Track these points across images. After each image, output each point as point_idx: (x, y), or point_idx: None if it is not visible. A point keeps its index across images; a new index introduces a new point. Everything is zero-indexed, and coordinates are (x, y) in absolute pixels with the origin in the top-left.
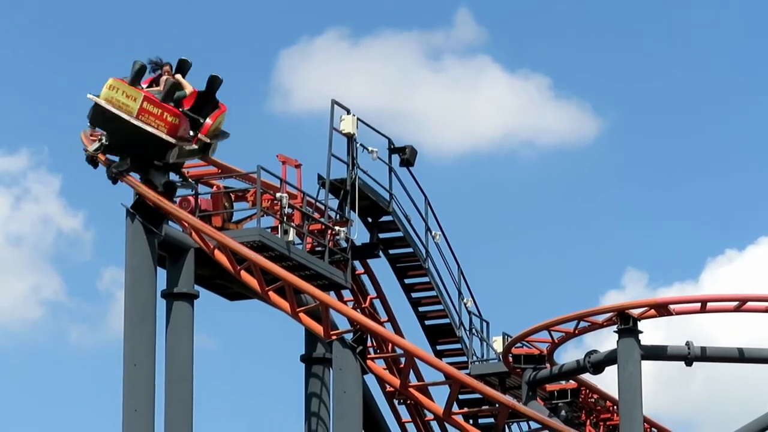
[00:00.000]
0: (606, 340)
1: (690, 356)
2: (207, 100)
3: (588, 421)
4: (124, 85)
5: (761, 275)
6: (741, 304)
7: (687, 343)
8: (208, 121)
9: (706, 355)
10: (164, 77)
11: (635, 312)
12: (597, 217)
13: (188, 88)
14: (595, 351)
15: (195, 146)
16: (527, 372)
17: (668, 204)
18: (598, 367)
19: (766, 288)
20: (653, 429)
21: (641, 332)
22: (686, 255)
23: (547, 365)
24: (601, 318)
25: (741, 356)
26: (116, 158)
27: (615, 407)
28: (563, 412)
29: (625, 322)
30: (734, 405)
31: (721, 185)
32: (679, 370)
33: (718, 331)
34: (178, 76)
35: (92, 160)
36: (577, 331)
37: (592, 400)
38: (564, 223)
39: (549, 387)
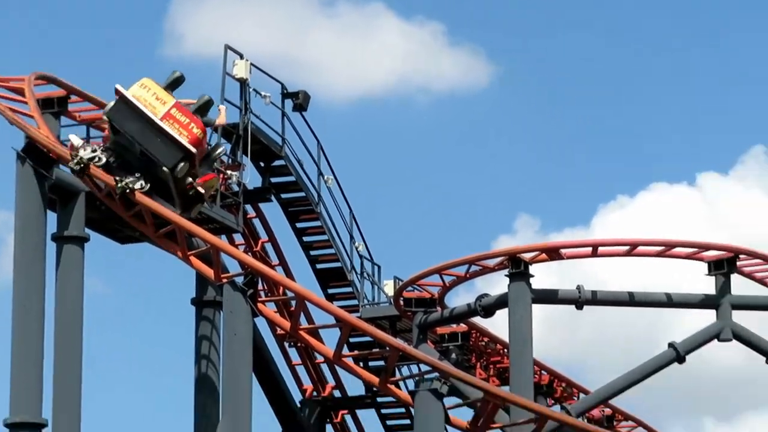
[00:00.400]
0: (497, 284)
1: (581, 300)
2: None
3: (478, 364)
4: (157, 86)
5: (652, 221)
6: (632, 249)
7: (578, 287)
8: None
9: (596, 299)
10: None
11: (526, 256)
12: (489, 162)
13: (222, 118)
14: (486, 295)
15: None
16: (418, 315)
17: (559, 150)
18: (488, 311)
19: (656, 233)
20: (543, 372)
21: (532, 276)
22: (577, 201)
23: (438, 309)
24: (492, 262)
25: (631, 300)
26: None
27: (505, 350)
28: (453, 355)
29: (517, 266)
30: (622, 349)
31: (613, 133)
32: (569, 314)
33: (609, 275)
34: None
35: (81, 169)
36: (468, 275)
37: (483, 343)
38: (456, 169)
39: (440, 330)
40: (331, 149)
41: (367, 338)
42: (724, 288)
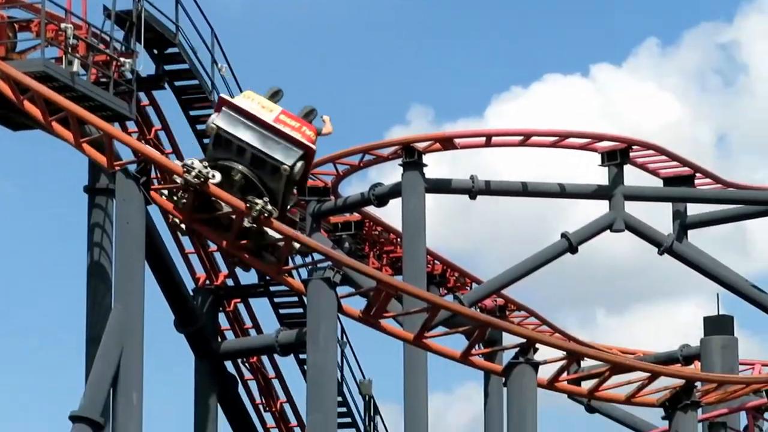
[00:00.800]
0: (391, 174)
1: (474, 189)
2: None
3: (371, 253)
4: (260, 97)
5: (546, 112)
6: (525, 139)
7: (471, 177)
8: None
9: (489, 189)
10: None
11: (420, 145)
12: (383, 52)
13: (329, 127)
14: (379, 184)
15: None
16: (311, 204)
17: (454, 40)
18: (382, 200)
19: (550, 124)
20: (436, 261)
21: (426, 166)
22: (472, 91)
23: (332, 198)
24: (386, 151)
25: (524, 190)
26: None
27: (398, 239)
28: (347, 244)
29: (410, 155)
30: (515, 239)
31: (507, 23)
32: (463, 204)
33: (503, 166)
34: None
35: (201, 183)
36: (362, 164)
37: (376, 232)
38: (350, 59)
39: (333, 219)
40: (224, 37)
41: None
42: (616, 179)
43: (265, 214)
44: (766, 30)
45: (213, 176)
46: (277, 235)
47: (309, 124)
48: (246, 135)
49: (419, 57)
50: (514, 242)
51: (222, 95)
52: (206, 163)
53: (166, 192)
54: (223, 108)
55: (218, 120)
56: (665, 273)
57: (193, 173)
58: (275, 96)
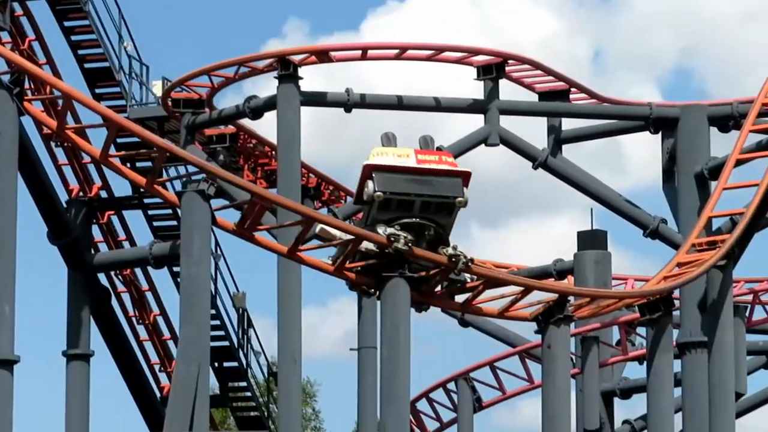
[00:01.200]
0: (267, 88)
1: (349, 103)
2: None
3: (246, 166)
4: (388, 148)
5: (421, 26)
6: (401, 53)
7: (347, 90)
8: None
9: (365, 102)
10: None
11: (296, 58)
12: None
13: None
14: (254, 97)
15: None
16: (186, 116)
17: None
18: (257, 113)
19: (426, 38)
20: (310, 174)
21: (301, 78)
22: (347, 5)
23: (207, 110)
24: (261, 64)
25: (400, 104)
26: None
27: (273, 153)
28: (221, 157)
29: (286, 68)
30: None
31: None
32: (337, 117)
33: (378, 79)
34: None
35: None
36: (237, 77)
37: (251, 145)
38: None
39: (208, 132)
40: None
41: (135, 139)
42: (492, 93)
43: (467, 262)
44: None
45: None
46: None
47: (442, 152)
48: (407, 187)
49: None
50: None
51: (366, 163)
52: (396, 227)
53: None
54: (374, 173)
55: (379, 186)
56: (540, 188)
57: (402, 242)
58: (394, 141)
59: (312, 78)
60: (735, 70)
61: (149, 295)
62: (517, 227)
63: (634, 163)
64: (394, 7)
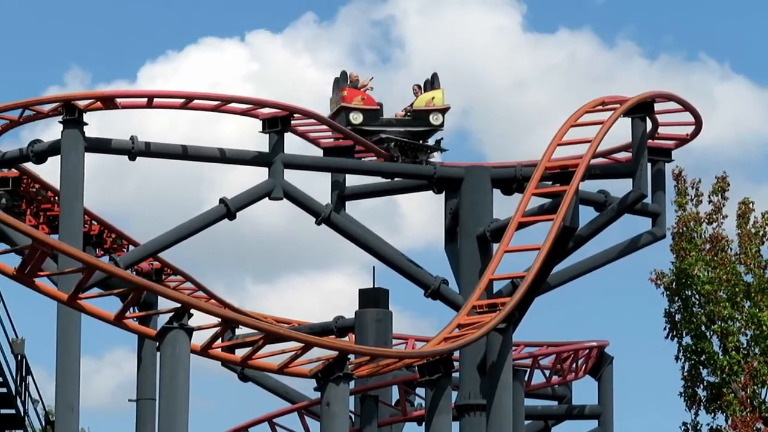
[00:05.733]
0: (50, 131)
1: (134, 150)
2: None
3: (29, 210)
4: None
5: (202, 76)
6: (188, 102)
7: (131, 138)
8: None
9: (150, 150)
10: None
11: (81, 103)
12: (38, 12)
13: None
14: (38, 141)
15: None
16: None
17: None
18: (41, 157)
19: (209, 88)
20: (93, 221)
21: (86, 124)
22: (126, 55)
23: None
24: (46, 108)
25: (185, 153)
26: None
27: (56, 198)
28: (3, 200)
29: (71, 113)
30: (172, 202)
31: None
32: (119, 165)
33: (164, 128)
34: None
35: None
36: (21, 120)
37: (34, 189)
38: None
39: None
40: None
41: None
42: (277, 146)
43: None
44: (420, 6)
45: None
46: None
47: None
48: None
49: (77, 17)
50: (171, 205)
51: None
52: None
53: None
54: None
55: None
56: (316, 243)
57: None
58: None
59: (99, 124)
60: (510, 133)
61: None
62: (294, 282)
63: (410, 223)
64: (172, 57)
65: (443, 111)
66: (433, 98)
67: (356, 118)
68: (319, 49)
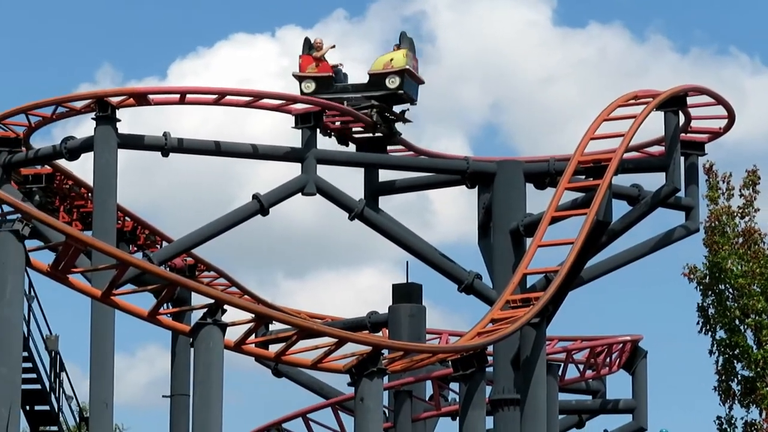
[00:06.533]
0: (86, 128)
1: (167, 147)
2: None
3: (62, 207)
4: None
5: (232, 72)
6: (220, 98)
7: (164, 134)
8: None
9: (182, 147)
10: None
11: (114, 100)
12: (72, 8)
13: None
14: (72, 137)
15: None
16: (2, 155)
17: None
18: (74, 153)
19: (239, 84)
20: (126, 218)
21: (119, 120)
22: (156, 52)
23: (23, 149)
24: (79, 104)
25: (217, 149)
26: None
27: (89, 194)
28: (37, 197)
29: (104, 109)
30: (205, 198)
31: None
32: (153, 161)
33: (197, 123)
34: None
35: None
36: (54, 116)
37: (67, 186)
38: (42, 13)
39: (24, 171)
40: None
41: None
42: (310, 142)
43: None
44: (450, 1)
45: None
46: None
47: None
48: None
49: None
50: (201, 201)
51: None
52: None
53: None
54: None
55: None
56: (348, 239)
57: None
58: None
59: (131, 119)
60: (541, 128)
61: None
62: (325, 277)
63: (441, 219)
64: (202, 53)
65: (401, 73)
66: (391, 60)
67: (308, 86)
68: (349, 45)
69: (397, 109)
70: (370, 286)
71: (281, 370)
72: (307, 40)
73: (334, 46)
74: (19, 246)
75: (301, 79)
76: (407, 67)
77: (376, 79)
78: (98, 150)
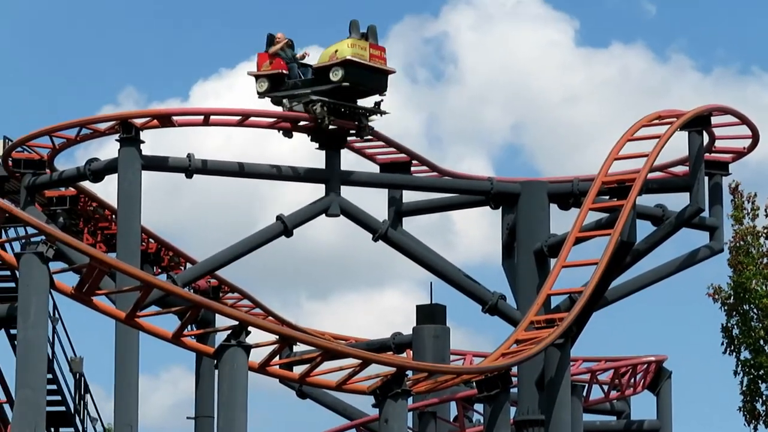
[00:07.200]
0: (109, 150)
1: (191, 168)
2: None
3: (86, 228)
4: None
5: (254, 93)
6: (244, 119)
7: (188, 156)
8: None
9: (206, 168)
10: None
11: (138, 121)
12: (98, 32)
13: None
14: (96, 159)
15: None
16: (26, 177)
17: (161, 24)
18: (98, 175)
19: (263, 105)
20: (151, 240)
21: (143, 142)
22: (179, 74)
23: (47, 171)
24: (103, 126)
25: (241, 171)
26: None
27: (114, 216)
28: (61, 219)
29: (128, 131)
30: (223, 218)
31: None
32: (175, 182)
33: (220, 144)
34: None
35: None
36: (78, 138)
37: (91, 208)
38: (68, 36)
39: (48, 193)
40: None
41: None
42: (333, 163)
43: None
44: (472, 22)
45: None
46: None
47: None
48: None
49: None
50: (224, 222)
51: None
52: None
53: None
54: None
55: None
56: (370, 260)
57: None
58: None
59: (154, 141)
60: (563, 148)
61: None
62: (348, 298)
63: (465, 238)
64: (224, 74)
65: (343, 64)
66: (336, 51)
67: (262, 85)
68: None
69: (370, 101)
70: (394, 307)
71: (305, 391)
72: (269, 37)
73: (289, 42)
74: (44, 268)
75: (256, 77)
76: (349, 57)
77: (321, 73)
78: (122, 172)
